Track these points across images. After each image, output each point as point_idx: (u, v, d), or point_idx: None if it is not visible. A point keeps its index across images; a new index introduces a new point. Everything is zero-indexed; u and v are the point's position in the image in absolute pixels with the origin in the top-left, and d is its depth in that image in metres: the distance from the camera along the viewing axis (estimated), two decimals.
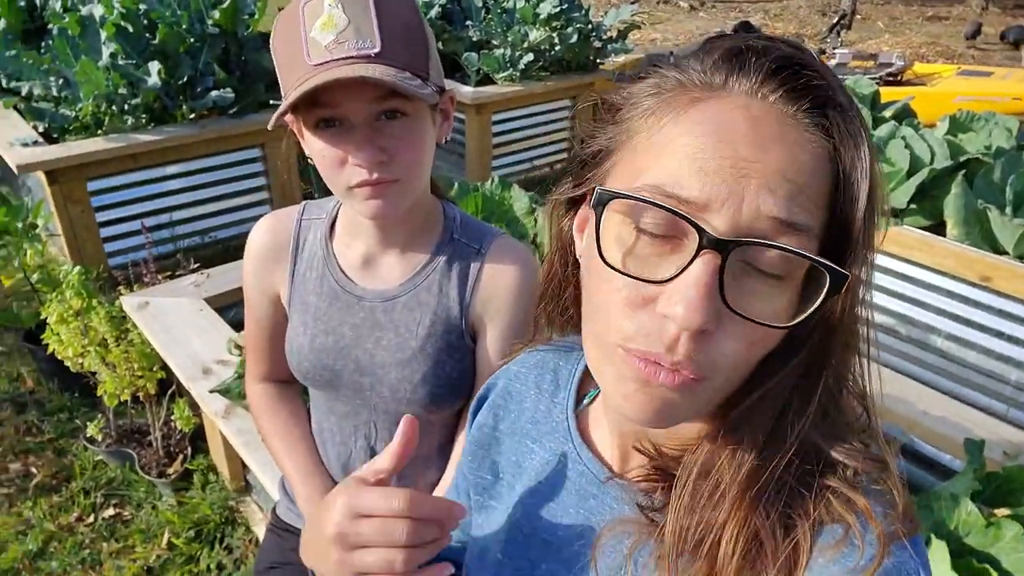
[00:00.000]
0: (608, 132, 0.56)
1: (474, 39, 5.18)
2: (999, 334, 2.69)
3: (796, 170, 0.47)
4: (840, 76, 4.91)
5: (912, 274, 2.88)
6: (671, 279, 0.47)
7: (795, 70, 0.48)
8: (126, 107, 3.50)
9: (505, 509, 0.73)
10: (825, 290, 0.47)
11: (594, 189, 0.51)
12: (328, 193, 1.07)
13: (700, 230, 0.46)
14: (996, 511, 1.34)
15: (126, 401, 2.39)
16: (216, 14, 3.78)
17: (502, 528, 0.72)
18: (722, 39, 0.52)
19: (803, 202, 0.47)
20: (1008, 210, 2.86)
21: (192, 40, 3.74)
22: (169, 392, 2.42)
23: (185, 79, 3.67)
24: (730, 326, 0.48)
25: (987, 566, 1.26)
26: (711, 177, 0.46)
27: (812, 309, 0.48)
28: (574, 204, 0.63)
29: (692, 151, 0.47)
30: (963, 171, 3.05)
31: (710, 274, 0.46)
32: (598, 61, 5.23)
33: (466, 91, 4.54)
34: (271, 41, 0.97)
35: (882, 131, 3.33)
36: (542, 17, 4.85)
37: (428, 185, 1.10)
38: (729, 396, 0.53)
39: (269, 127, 0.96)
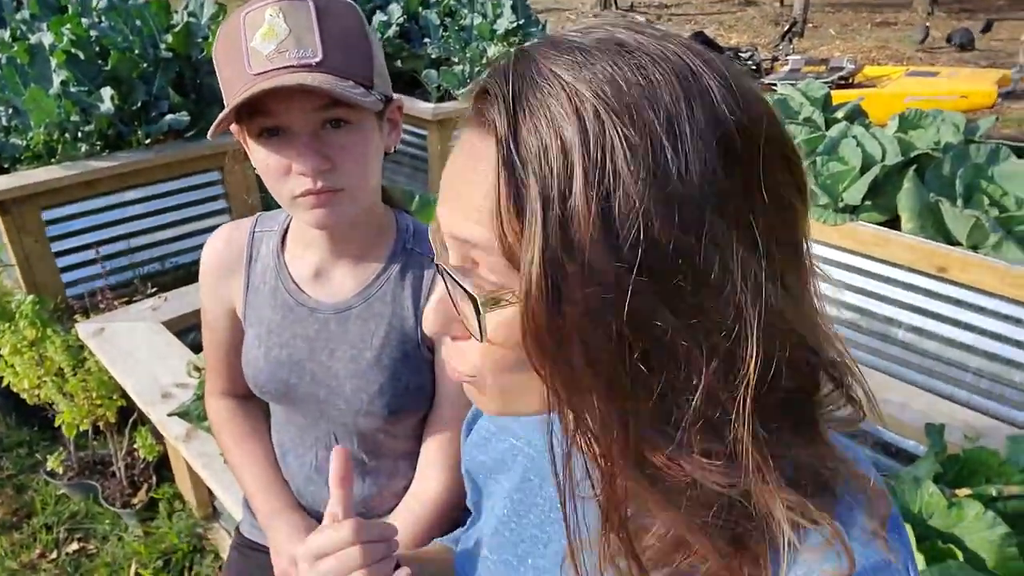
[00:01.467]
0: None
1: (433, 56, 5.20)
2: (957, 323, 2.75)
3: (472, 197, 0.47)
4: (793, 81, 5.03)
5: (870, 268, 2.94)
6: None
7: (482, 97, 0.47)
8: (79, 134, 3.45)
9: (493, 507, 0.73)
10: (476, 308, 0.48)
11: None
12: (279, 206, 1.06)
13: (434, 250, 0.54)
14: (958, 492, 1.36)
15: (87, 432, 2.33)
16: (169, 38, 3.74)
17: (489, 524, 0.72)
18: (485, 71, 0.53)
19: (471, 215, 0.47)
20: (959, 202, 2.92)
21: (145, 65, 3.69)
22: (131, 420, 2.37)
23: (139, 104, 3.62)
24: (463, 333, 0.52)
25: (951, 546, 1.28)
26: (441, 205, 0.51)
27: (478, 324, 0.48)
28: None
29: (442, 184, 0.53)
30: (914, 166, 3.11)
31: (440, 288, 0.52)
32: None
33: (427, 107, 4.55)
34: (213, 51, 0.97)
35: (834, 131, 3.40)
36: (499, 33, 4.89)
37: (379, 194, 1.10)
38: None
39: (209, 136, 0.95)
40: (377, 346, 1.09)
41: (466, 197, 0.47)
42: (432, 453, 1.14)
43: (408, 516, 1.14)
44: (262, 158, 0.96)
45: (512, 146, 0.43)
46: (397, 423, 1.13)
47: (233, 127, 0.98)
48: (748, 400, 0.45)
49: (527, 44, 0.49)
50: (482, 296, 0.47)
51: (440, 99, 4.87)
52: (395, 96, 1.03)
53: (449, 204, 0.49)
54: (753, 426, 0.45)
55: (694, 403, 0.45)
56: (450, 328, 0.53)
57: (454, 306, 0.50)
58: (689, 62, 0.44)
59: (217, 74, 0.96)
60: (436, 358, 1.11)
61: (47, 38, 3.56)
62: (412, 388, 1.10)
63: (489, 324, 0.48)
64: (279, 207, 1.04)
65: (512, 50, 0.49)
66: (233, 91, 0.92)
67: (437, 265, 0.51)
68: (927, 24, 10.30)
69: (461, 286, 0.48)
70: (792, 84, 4.36)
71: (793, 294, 0.47)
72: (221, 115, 0.91)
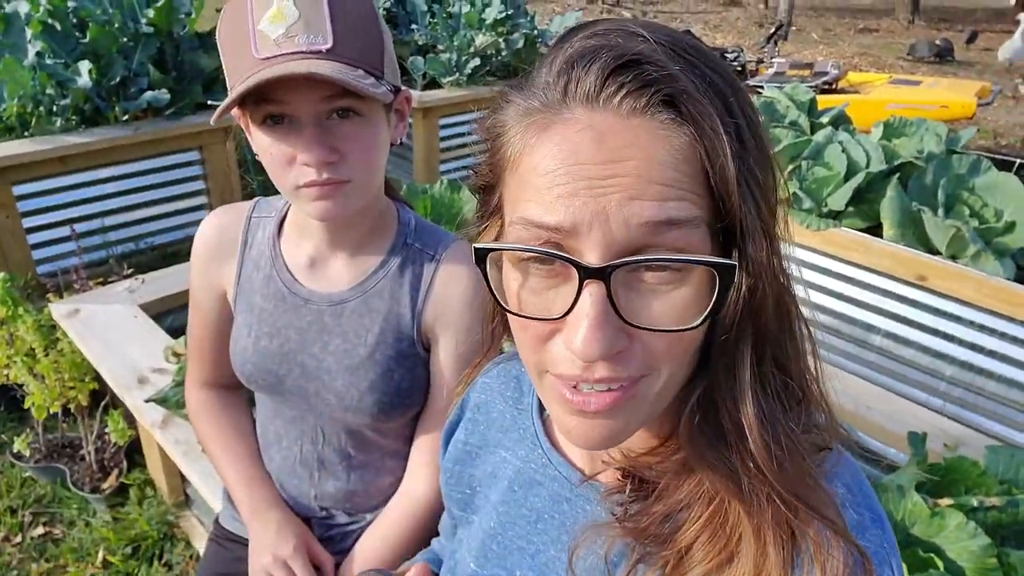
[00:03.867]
0: (487, 165, 0.55)
1: (419, 43, 5.14)
2: (935, 331, 2.79)
3: (658, 169, 0.45)
4: (779, 84, 5.06)
5: (851, 274, 2.97)
6: (566, 314, 0.47)
7: (632, 67, 0.46)
8: (54, 108, 3.35)
9: (480, 521, 0.72)
10: (718, 284, 0.46)
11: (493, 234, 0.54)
12: (271, 192, 1.03)
13: (575, 264, 0.46)
14: (940, 501, 1.38)
15: (56, 414, 2.27)
16: (151, 13, 3.65)
17: (475, 539, 0.71)
18: (561, 44, 0.50)
19: (676, 195, 0.45)
20: (940, 212, 2.97)
21: (125, 39, 3.60)
22: (103, 403, 2.31)
23: (118, 79, 3.53)
24: (642, 334, 0.48)
25: (932, 555, 1.29)
26: (571, 201, 0.46)
27: (711, 305, 0.47)
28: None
29: (550, 180, 0.47)
30: (897, 174, 3.15)
31: (599, 303, 0.46)
32: None
33: (413, 95, 4.50)
34: (217, 32, 0.93)
35: (819, 136, 3.43)
36: (488, 22, 4.85)
37: (382, 187, 1.07)
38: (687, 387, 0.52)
39: (212, 122, 0.92)
40: (372, 342, 1.06)
41: (660, 176, 0.46)
42: (423, 453, 1.12)
43: (398, 515, 1.12)
44: (265, 146, 0.92)
45: (708, 125, 0.46)
46: (387, 421, 1.10)
47: (235, 111, 0.94)
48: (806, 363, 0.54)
49: (602, 23, 0.50)
50: (734, 269, 0.46)
51: (426, 87, 4.82)
52: (403, 87, 1.00)
53: (621, 188, 0.45)
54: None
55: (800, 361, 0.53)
56: (617, 342, 0.47)
57: (620, 318, 0.46)
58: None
59: (220, 55, 0.93)
60: (431, 357, 1.09)
61: (23, 7, 3.45)
62: (405, 386, 1.08)
63: (695, 305, 0.48)
64: (264, 193, 1.01)
65: (618, 24, 0.50)
66: (238, 75, 0.88)
67: (603, 271, 0.45)
68: (937, 41, 10.41)
69: (705, 262, 0.46)
70: (778, 87, 4.38)
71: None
72: (227, 100, 0.87)
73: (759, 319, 0.49)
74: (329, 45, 0.87)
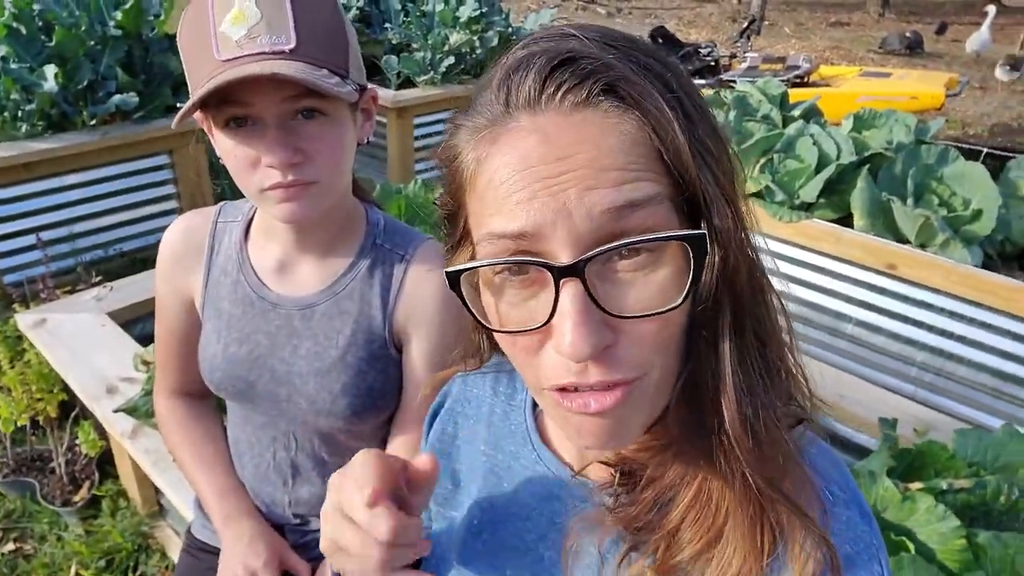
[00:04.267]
0: (448, 193, 0.55)
1: (393, 42, 5.12)
2: (905, 318, 2.83)
3: (610, 156, 0.45)
4: (751, 78, 5.11)
5: (822, 264, 3.00)
6: (548, 321, 0.47)
7: (567, 64, 0.47)
8: (19, 113, 3.29)
9: (462, 519, 0.71)
10: (693, 257, 0.46)
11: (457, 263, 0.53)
12: (241, 195, 1.01)
13: (547, 266, 0.46)
14: (911, 485, 1.39)
15: (24, 426, 2.23)
16: (118, 15, 3.59)
17: (460, 537, 0.70)
18: (498, 62, 0.51)
19: (632, 178, 0.45)
20: (910, 201, 3.01)
21: (92, 42, 3.54)
22: (72, 415, 2.27)
23: (85, 83, 3.47)
24: (628, 326, 0.47)
25: (904, 538, 1.31)
26: (530, 205, 0.46)
27: (691, 278, 0.46)
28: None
29: (506, 189, 0.47)
30: (867, 166, 3.19)
31: (579, 301, 0.45)
32: None
33: (387, 94, 4.48)
34: (178, 34, 0.91)
35: (791, 129, 3.46)
36: (462, 20, 4.84)
37: (349, 187, 1.06)
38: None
39: (174, 126, 0.90)
40: (343, 345, 1.05)
41: (610, 158, 0.46)
42: (399, 454, 1.11)
43: None
44: (228, 149, 0.91)
45: (652, 105, 0.46)
46: (360, 423, 1.09)
47: (197, 115, 0.92)
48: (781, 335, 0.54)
49: (533, 33, 0.51)
50: (704, 238, 0.46)
51: (400, 86, 4.79)
52: (369, 86, 0.99)
53: (578, 182, 0.45)
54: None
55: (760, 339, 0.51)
56: (604, 337, 0.46)
57: (600, 309, 0.46)
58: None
59: (181, 59, 0.91)
60: (404, 358, 1.08)
61: None
62: (377, 388, 1.07)
63: (673, 285, 0.47)
64: (233, 195, 1.00)
65: (523, 40, 0.51)
66: (199, 78, 0.86)
67: (574, 267, 0.45)
68: (907, 34, 10.55)
69: (675, 237, 0.46)
70: (750, 81, 4.42)
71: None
72: (188, 103, 0.85)
73: (734, 288, 0.49)
74: (292, 45, 0.85)
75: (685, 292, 0.46)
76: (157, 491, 2.20)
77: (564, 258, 0.46)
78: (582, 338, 0.45)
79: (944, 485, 1.38)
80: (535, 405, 0.70)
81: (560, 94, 0.46)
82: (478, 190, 0.50)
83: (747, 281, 0.50)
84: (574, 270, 0.45)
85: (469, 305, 0.51)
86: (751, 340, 0.51)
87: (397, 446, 1.12)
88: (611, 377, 0.47)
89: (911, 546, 1.29)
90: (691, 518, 0.52)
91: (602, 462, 0.59)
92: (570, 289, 0.46)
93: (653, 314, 0.47)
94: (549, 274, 0.46)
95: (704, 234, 0.46)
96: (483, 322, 0.51)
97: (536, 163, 0.46)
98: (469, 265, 0.49)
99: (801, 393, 0.56)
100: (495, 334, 0.52)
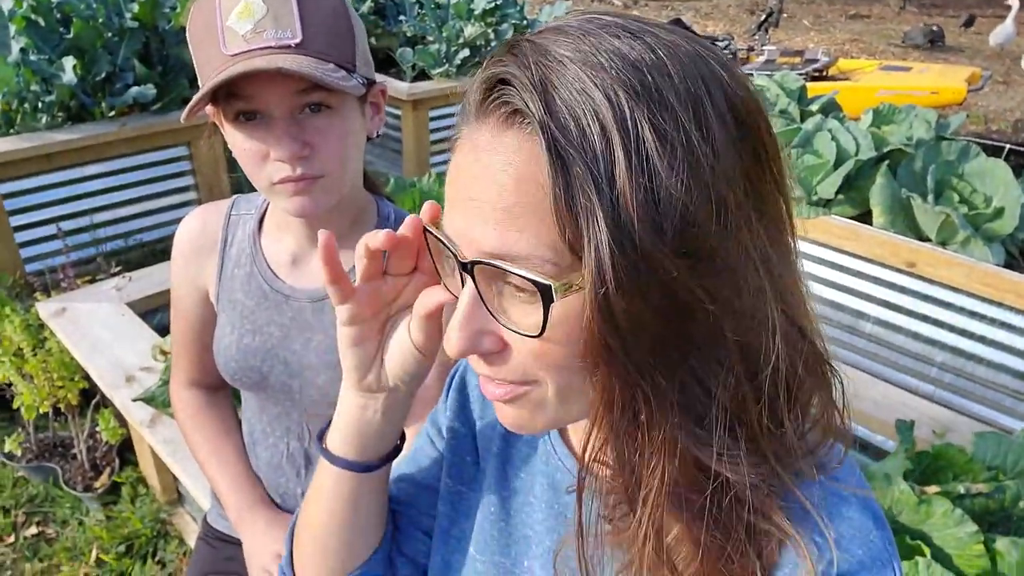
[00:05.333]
0: None
1: (408, 34, 5.11)
2: (924, 318, 2.80)
3: (504, 197, 0.45)
4: (769, 72, 5.06)
5: (841, 262, 2.98)
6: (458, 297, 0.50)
7: (500, 87, 0.46)
8: (39, 105, 3.32)
9: (479, 501, 0.71)
10: (541, 301, 0.45)
11: None
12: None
13: (452, 253, 0.49)
14: (927, 489, 1.38)
15: (46, 413, 2.26)
16: (135, 7, 3.62)
17: (475, 523, 0.70)
18: (487, 64, 0.50)
19: (516, 227, 0.45)
20: (930, 198, 2.97)
21: (110, 34, 3.57)
22: (93, 402, 2.31)
23: (103, 75, 3.50)
24: (508, 338, 0.49)
25: (919, 542, 1.30)
26: (455, 214, 0.48)
27: (542, 318, 0.46)
28: None
29: (449, 192, 0.50)
30: (887, 161, 3.16)
31: (469, 294, 0.48)
32: None
33: (402, 87, 4.48)
34: (187, 29, 0.92)
35: (809, 124, 3.43)
36: (477, 13, 4.82)
37: (359, 180, 1.06)
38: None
39: (182, 120, 0.91)
40: None
41: (501, 198, 0.45)
42: (411, 446, 1.12)
43: None
44: (238, 143, 0.92)
45: (556, 133, 0.42)
46: None
47: (208, 109, 0.93)
48: (775, 387, 0.48)
49: (527, 34, 0.48)
50: (555, 283, 0.44)
51: (415, 78, 4.79)
52: (379, 79, 1.00)
53: (478, 210, 0.46)
54: (766, 418, 0.49)
55: (727, 394, 0.47)
56: (480, 343, 0.49)
57: (490, 313, 0.48)
58: (694, 47, 0.45)
59: (191, 53, 0.92)
60: None
61: (6, 3, 3.42)
62: None
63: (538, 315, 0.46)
64: (250, 187, 1.01)
65: (512, 39, 0.48)
66: (208, 72, 0.87)
67: (466, 266, 0.47)
68: (934, 27, 10.38)
69: (527, 278, 0.45)
70: (768, 75, 4.38)
71: (787, 280, 0.49)
72: (195, 97, 0.86)
73: (640, 334, 0.45)
74: (298, 40, 0.86)
75: (540, 329, 0.46)
76: (176, 479, 2.23)
77: (469, 254, 0.48)
78: (461, 333, 0.48)
79: (962, 489, 1.37)
80: None
81: (495, 115, 0.46)
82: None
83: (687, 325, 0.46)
84: (467, 266, 0.47)
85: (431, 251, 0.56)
86: (712, 392, 0.47)
87: (408, 435, 1.13)
88: (492, 374, 0.51)
89: (927, 550, 1.28)
90: (678, 547, 0.51)
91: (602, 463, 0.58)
92: (468, 280, 0.48)
93: (521, 333, 0.48)
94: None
95: (548, 285, 0.44)
96: (439, 271, 0.56)
97: (466, 179, 0.47)
98: (432, 230, 0.53)
99: (827, 428, 0.53)
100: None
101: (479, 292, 0.48)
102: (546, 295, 0.45)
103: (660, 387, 0.46)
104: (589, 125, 0.42)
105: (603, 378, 0.46)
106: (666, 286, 0.43)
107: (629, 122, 0.42)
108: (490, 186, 0.46)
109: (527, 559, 0.66)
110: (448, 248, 0.49)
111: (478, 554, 0.69)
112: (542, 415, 0.53)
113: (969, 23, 11.27)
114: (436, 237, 0.51)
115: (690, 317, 0.44)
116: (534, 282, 0.45)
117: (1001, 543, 1.27)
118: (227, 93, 0.88)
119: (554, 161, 0.42)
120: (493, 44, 4.85)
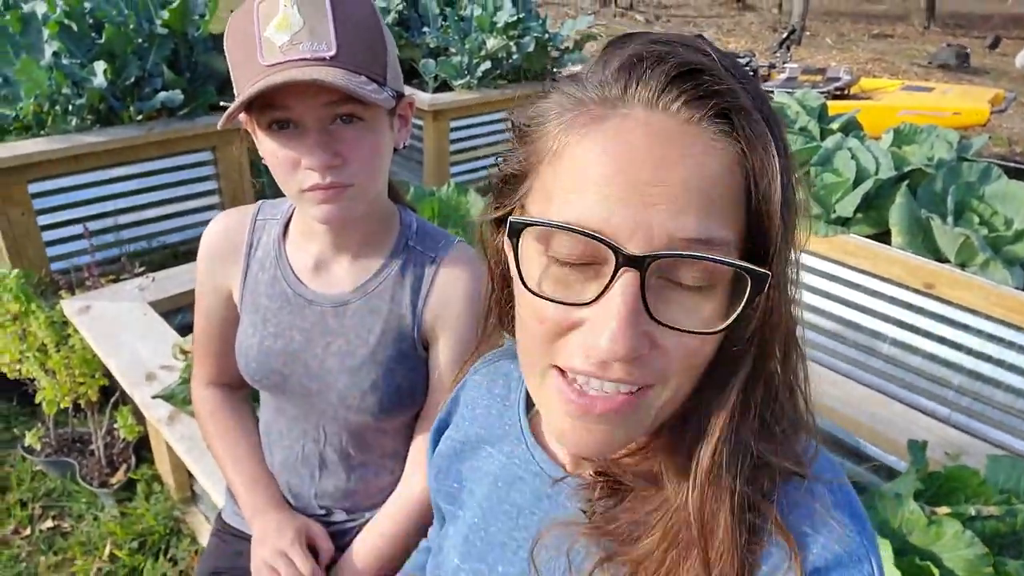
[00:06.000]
0: (520, 154, 0.54)
1: (431, 46, 5.16)
2: (942, 339, 2.78)
3: (706, 183, 0.45)
4: (790, 89, 5.04)
5: (858, 281, 2.96)
6: (594, 300, 0.46)
7: (695, 76, 0.46)
8: (70, 107, 3.39)
9: (466, 515, 0.73)
10: (748, 292, 0.46)
11: (509, 215, 0.53)
12: (281, 194, 1.05)
13: (615, 249, 0.45)
14: (937, 510, 1.38)
15: (67, 409, 2.30)
16: (165, 14, 3.69)
17: (460, 534, 0.72)
18: (622, 45, 0.50)
19: (717, 214, 0.45)
20: (949, 219, 2.95)
21: (140, 40, 3.64)
22: (112, 400, 2.34)
23: (132, 80, 3.57)
24: (662, 339, 0.47)
25: (929, 563, 1.29)
26: (616, 205, 0.45)
27: (739, 311, 0.47)
28: (502, 222, 0.61)
29: (595, 178, 0.46)
30: (907, 181, 3.14)
31: (631, 296, 0.45)
32: (555, 70, 5.27)
33: (424, 97, 4.52)
34: (225, 39, 0.95)
35: (829, 143, 3.41)
36: (499, 26, 4.86)
37: (385, 190, 1.09)
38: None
39: (219, 126, 0.94)
40: (373, 343, 1.08)
41: (702, 184, 0.45)
42: (422, 452, 1.13)
43: (396, 512, 1.14)
44: (271, 150, 0.94)
45: (754, 126, 0.46)
46: (387, 420, 1.12)
47: (242, 116, 0.96)
48: (798, 385, 0.54)
49: (644, 34, 0.50)
50: (767, 277, 0.46)
51: (437, 89, 4.84)
52: (407, 92, 1.02)
53: (664, 196, 0.45)
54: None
55: (758, 394, 0.51)
56: (643, 344, 0.47)
57: (647, 311, 0.46)
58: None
59: (228, 62, 0.95)
60: (430, 358, 1.11)
61: (40, 8, 3.50)
62: (405, 387, 1.10)
63: (718, 315, 0.48)
64: (271, 183, 1.03)
65: (627, 35, 0.50)
66: (244, 81, 0.90)
67: (638, 261, 0.45)
68: (966, 49, 10.33)
69: (744, 267, 0.46)
70: (789, 92, 4.37)
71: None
72: (232, 105, 0.89)
73: (764, 346, 0.50)
74: (333, 52, 0.89)
75: (729, 321, 0.47)
76: (190, 477, 2.25)
77: (634, 250, 0.45)
78: (623, 337, 0.45)
79: (972, 511, 1.36)
80: (529, 405, 0.71)
81: (680, 102, 0.46)
82: (563, 163, 0.48)
83: (781, 341, 0.51)
84: (639, 262, 0.44)
85: (519, 260, 0.49)
86: (761, 391, 0.51)
87: (420, 444, 1.15)
88: (631, 377, 0.47)
89: (936, 572, 1.27)
90: (660, 553, 0.52)
91: (591, 463, 0.60)
92: (627, 280, 0.45)
93: (694, 332, 0.47)
94: (606, 266, 0.46)
95: (767, 275, 0.46)
96: (525, 280, 0.49)
97: (636, 160, 0.45)
98: (541, 220, 0.47)
99: (808, 430, 0.56)
100: (522, 307, 0.51)
101: (642, 289, 0.45)
102: (758, 285, 0.46)
103: (760, 371, 0.52)
104: (769, 140, 0.47)
105: (742, 377, 0.50)
106: (784, 277, 0.50)
107: (781, 145, 0.48)
108: (688, 170, 0.45)
109: (502, 565, 0.66)
110: (608, 245, 0.45)
111: (461, 563, 0.70)
112: (635, 429, 0.51)
113: (995, 44, 11.20)
114: (589, 236, 0.45)
115: (791, 316, 0.51)
116: (750, 271, 0.45)
117: (1012, 566, 1.26)
118: (263, 102, 0.90)
119: (757, 152, 0.46)
120: (515, 57, 4.89)
